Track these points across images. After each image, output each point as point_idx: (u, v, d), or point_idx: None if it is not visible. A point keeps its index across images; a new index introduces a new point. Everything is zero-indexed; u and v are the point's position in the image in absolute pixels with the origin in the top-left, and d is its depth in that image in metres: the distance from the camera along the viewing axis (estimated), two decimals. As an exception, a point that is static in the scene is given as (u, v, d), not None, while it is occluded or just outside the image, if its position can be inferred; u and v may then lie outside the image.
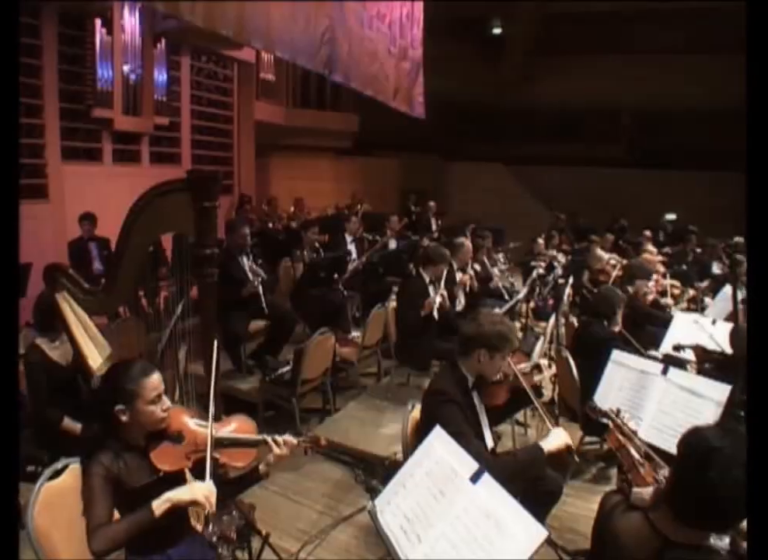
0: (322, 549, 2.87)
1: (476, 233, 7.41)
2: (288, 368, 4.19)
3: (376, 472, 3.53)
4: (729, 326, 3.87)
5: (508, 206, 12.35)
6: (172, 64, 6.66)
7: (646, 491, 1.54)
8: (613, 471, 3.63)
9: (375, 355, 5.04)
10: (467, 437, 2.16)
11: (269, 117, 8.22)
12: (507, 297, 6.16)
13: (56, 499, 1.92)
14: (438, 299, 4.41)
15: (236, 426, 2.12)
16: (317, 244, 5.81)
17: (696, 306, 6.33)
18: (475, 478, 1.73)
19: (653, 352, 3.73)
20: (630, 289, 4.58)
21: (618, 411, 2.14)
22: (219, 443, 1.98)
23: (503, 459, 2.30)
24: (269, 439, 2.03)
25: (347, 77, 5.44)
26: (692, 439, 1.41)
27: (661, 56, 11.00)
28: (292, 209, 8.36)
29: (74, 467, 2.03)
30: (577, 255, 7.77)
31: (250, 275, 4.16)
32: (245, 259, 4.20)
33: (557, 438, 2.27)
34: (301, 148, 9.75)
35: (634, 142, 12.80)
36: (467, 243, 5.60)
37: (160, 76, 6.34)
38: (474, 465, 1.77)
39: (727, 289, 4.86)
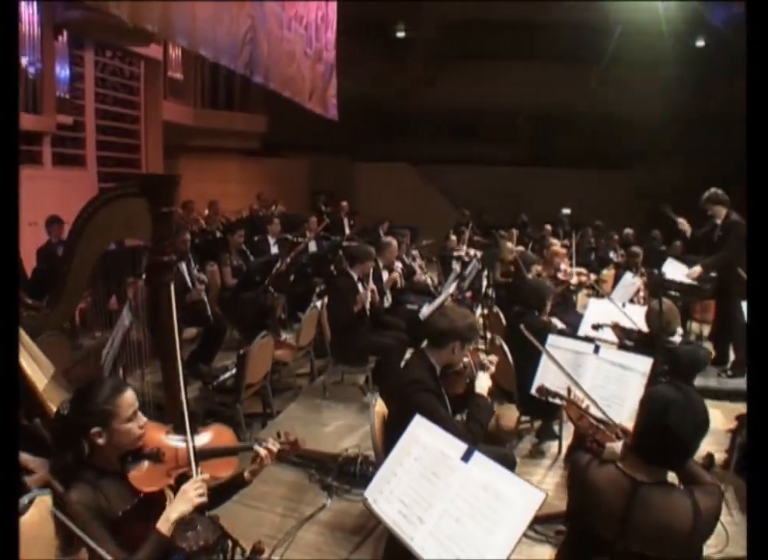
0: (292, 551, 2.87)
1: (393, 232, 7.64)
2: (229, 374, 4.13)
3: (330, 470, 3.57)
4: (636, 307, 4.39)
5: (416, 205, 12.73)
6: (75, 59, 6.12)
7: (616, 446, 1.85)
8: (545, 446, 3.97)
9: (305, 355, 5.05)
10: (450, 420, 2.31)
11: (177, 117, 7.86)
12: (432, 291, 6.45)
13: (30, 539, 1.75)
14: (369, 295, 4.58)
15: (215, 436, 2.07)
16: (244, 247, 5.70)
17: (597, 291, 6.99)
18: (466, 457, 1.86)
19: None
20: (530, 275, 5.28)
21: (569, 390, 2.42)
22: (202, 456, 1.93)
23: (476, 428, 2.53)
24: (258, 447, 2.01)
25: (267, 78, 5.40)
26: (654, 395, 1.74)
27: (556, 63, 11.97)
28: (206, 212, 8.08)
29: (41, 500, 1.89)
30: (486, 249, 8.23)
31: (189, 281, 4.01)
32: (184, 265, 4.05)
33: (484, 381, 2.69)
34: (209, 150, 9.42)
35: (530, 143, 13.77)
36: (394, 242, 5.78)
37: (62, 71, 5.81)
38: (462, 445, 1.90)
39: (628, 276, 5.47)
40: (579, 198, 12.52)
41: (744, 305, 4.39)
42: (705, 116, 11.13)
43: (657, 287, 5.53)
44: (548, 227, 10.15)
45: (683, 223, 5.27)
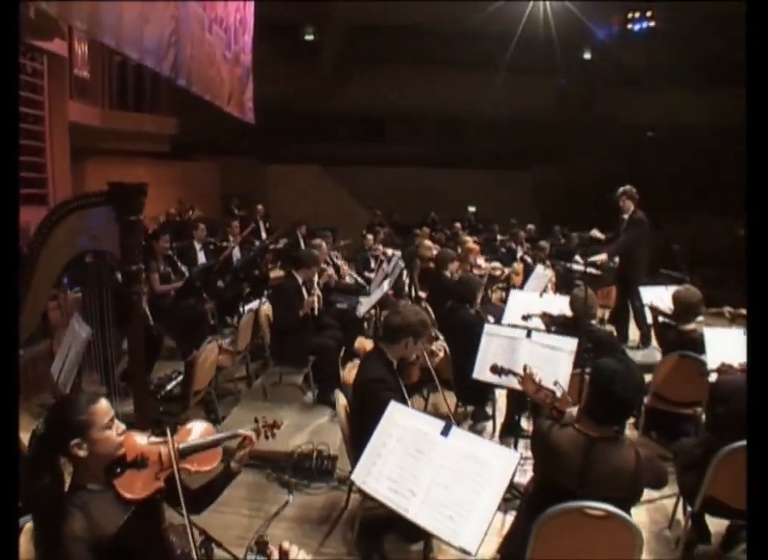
0: (266, 549, 2.96)
1: (316, 233, 7.77)
2: (175, 382, 4.08)
3: (285, 468, 3.67)
4: (555, 296, 4.88)
5: (327, 206, 12.92)
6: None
7: (573, 410, 2.20)
8: (480, 426, 4.32)
9: (241, 359, 5.08)
10: None
11: (84, 118, 7.39)
12: (359, 290, 6.67)
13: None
14: (316, 301, 4.74)
15: (195, 432, 2.12)
16: (170, 253, 5.59)
17: (509, 283, 7.57)
18: (445, 432, 2.10)
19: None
20: (447, 273, 5.71)
21: (525, 368, 2.74)
22: (185, 453, 1.98)
23: None
24: (242, 430, 2.10)
25: (190, 81, 5.30)
26: (601, 367, 2.07)
27: (460, 68, 12.66)
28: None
29: (28, 527, 1.83)
30: (404, 248, 8.57)
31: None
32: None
33: None
34: (118, 153, 8.96)
35: (436, 144, 14.42)
36: (324, 244, 5.97)
37: (-43, 67, 5.28)
38: (439, 422, 2.14)
39: (540, 268, 6.03)
40: (482, 197, 13.36)
41: (641, 290, 5.06)
42: (595, 120, 12.37)
43: (567, 277, 6.17)
44: (457, 224, 10.74)
45: (596, 233, 5.92)
